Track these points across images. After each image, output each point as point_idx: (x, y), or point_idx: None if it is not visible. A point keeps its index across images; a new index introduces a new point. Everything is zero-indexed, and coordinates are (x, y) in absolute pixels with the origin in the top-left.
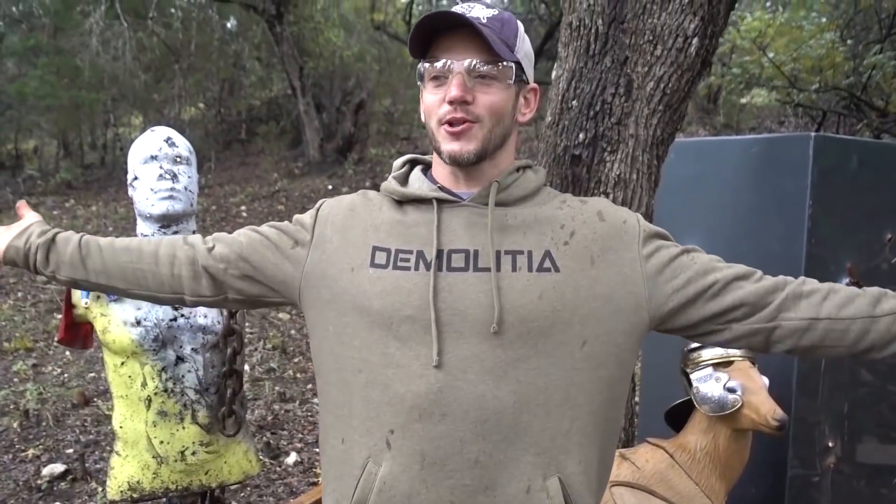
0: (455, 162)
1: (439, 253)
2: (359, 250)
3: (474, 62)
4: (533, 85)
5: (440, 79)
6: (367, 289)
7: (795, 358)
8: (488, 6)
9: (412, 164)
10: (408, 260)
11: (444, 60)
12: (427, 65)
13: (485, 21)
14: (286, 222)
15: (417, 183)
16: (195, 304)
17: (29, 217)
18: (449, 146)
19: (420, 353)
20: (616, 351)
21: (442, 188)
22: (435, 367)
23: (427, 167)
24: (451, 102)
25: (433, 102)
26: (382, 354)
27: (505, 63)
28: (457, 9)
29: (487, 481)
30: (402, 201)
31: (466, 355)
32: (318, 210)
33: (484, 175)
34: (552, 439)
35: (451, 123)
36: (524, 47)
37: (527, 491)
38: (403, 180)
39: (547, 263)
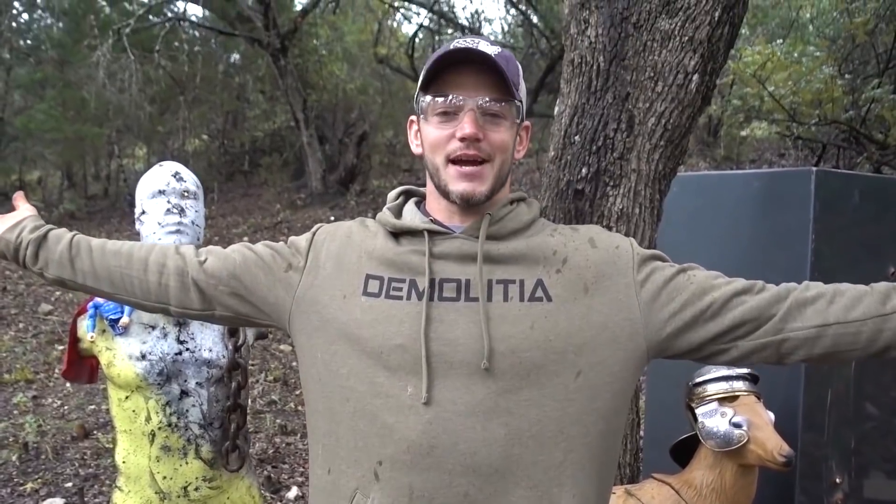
0: (466, 202)
1: (431, 282)
2: (352, 277)
3: (486, 100)
4: (526, 122)
5: (448, 114)
6: (358, 317)
7: (801, 393)
8: (492, 43)
9: (406, 195)
10: (400, 289)
11: (455, 96)
12: (437, 99)
13: (493, 57)
14: (281, 243)
15: (410, 216)
16: (180, 316)
17: (23, 210)
18: (460, 186)
19: (409, 383)
20: (611, 381)
21: (434, 221)
22: (424, 403)
23: (421, 200)
24: (463, 139)
25: (440, 138)
26: (371, 384)
27: (513, 101)
28: (460, 44)
29: None
30: (397, 233)
31: (457, 387)
32: (313, 235)
33: (480, 211)
34: (545, 472)
35: (462, 162)
36: (523, 87)
37: None
38: (398, 212)
39: (539, 293)
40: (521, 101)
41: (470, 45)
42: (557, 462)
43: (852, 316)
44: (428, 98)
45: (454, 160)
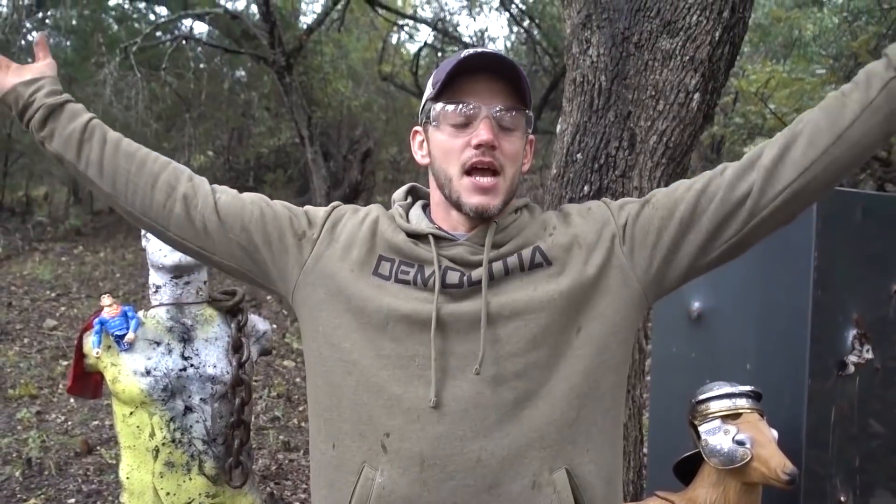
0: (480, 215)
1: (439, 266)
2: (364, 255)
3: (500, 108)
4: (531, 136)
5: (462, 123)
6: (365, 292)
7: (804, 410)
8: (503, 54)
9: (413, 195)
10: (408, 273)
11: (469, 104)
12: (450, 107)
13: (510, 61)
14: (300, 209)
15: (416, 220)
16: (171, 243)
17: (43, 65)
18: (475, 199)
19: (417, 352)
20: (615, 331)
21: (440, 228)
22: (434, 371)
23: (426, 203)
24: (479, 146)
25: (454, 147)
26: (377, 356)
27: (526, 111)
28: (472, 53)
29: (491, 480)
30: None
31: (463, 353)
32: (333, 209)
33: (489, 218)
34: (558, 431)
35: (478, 171)
36: (530, 99)
37: (532, 486)
38: (405, 213)
39: (538, 258)
40: (531, 113)
41: (484, 51)
42: (570, 420)
43: (840, 125)
44: (440, 106)
45: (469, 170)
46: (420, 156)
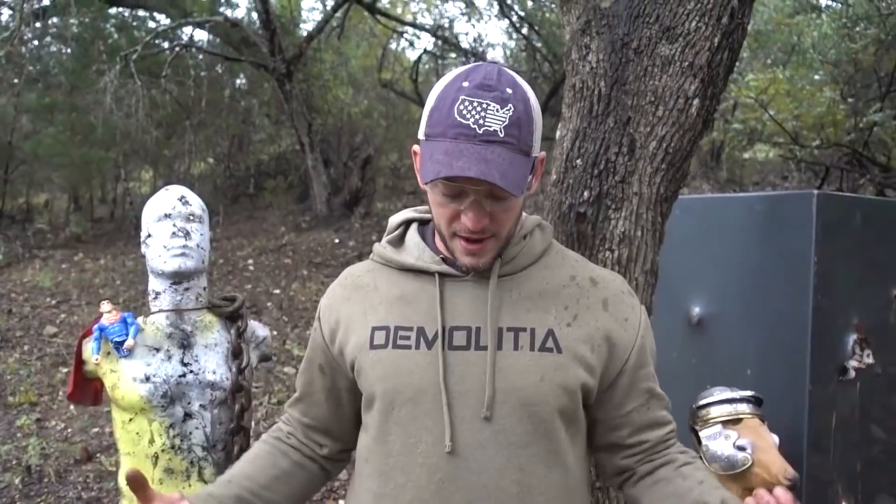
0: (473, 270)
1: (443, 330)
2: (359, 335)
3: (491, 189)
4: (541, 154)
5: (452, 195)
6: (369, 374)
7: (806, 416)
8: (502, 101)
9: (407, 224)
10: (407, 338)
11: (459, 186)
12: (440, 182)
13: (502, 136)
14: (314, 336)
15: (417, 251)
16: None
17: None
18: (466, 259)
19: (421, 438)
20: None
21: (445, 259)
22: (448, 452)
23: (422, 224)
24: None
25: (446, 214)
26: (384, 443)
27: (519, 195)
28: (468, 113)
29: None
30: (399, 268)
31: (469, 442)
32: (319, 312)
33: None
34: None
35: (468, 240)
36: (538, 131)
37: None
38: (398, 242)
39: (549, 343)
40: (534, 160)
41: (475, 122)
42: None
43: None
44: (430, 167)
45: (461, 237)
46: (421, 176)
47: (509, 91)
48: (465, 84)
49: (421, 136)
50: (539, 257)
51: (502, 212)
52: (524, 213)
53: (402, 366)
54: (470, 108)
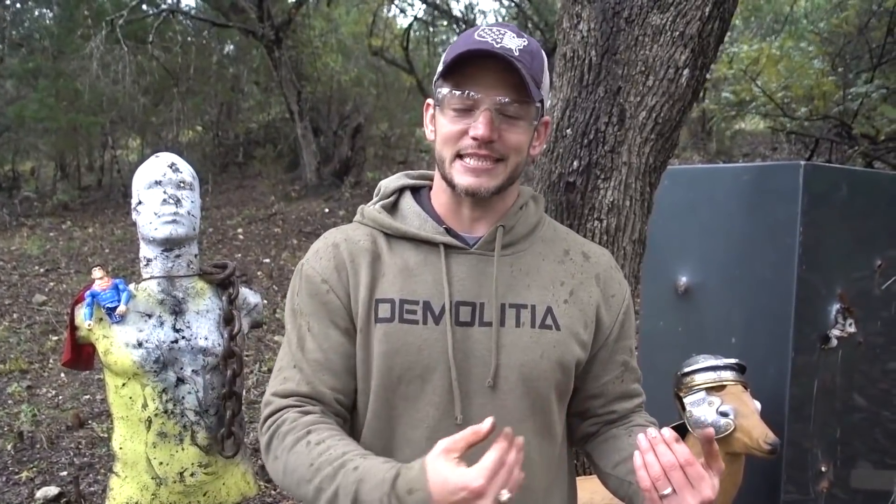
0: (472, 195)
1: (451, 304)
2: (364, 306)
3: (504, 100)
4: (546, 118)
5: (464, 110)
6: (375, 348)
7: (788, 383)
8: (518, 34)
9: (401, 191)
10: (414, 312)
11: (472, 92)
12: (454, 92)
13: (517, 54)
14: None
15: (418, 220)
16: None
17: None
18: (465, 180)
19: (428, 413)
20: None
21: (448, 230)
22: (458, 424)
23: (415, 192)
24: (475, 139)
25: (453, 133)
26: (388, 418)
27: (533, 105)
28: (486, 34)
29: None
30: (398, 236)
31: (474, 416)
32: (322, 276)
33: (492, 208)
34: (533, 494)
35: (470, 158)
36: (546, 82)
37: None
38: (391, 208)
39: (549, 320)
40: (541, 102)
41: (493, 39)
42: (545, 486)
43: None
44: (445, 90)
45: (465, 156)
46: (429, 131)
47: (524, 36)
48: (482, 25)
49: (436, 76)
50: (534, 228)
51: (512, 133)
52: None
53: (411, 342)
54: (487, 32)
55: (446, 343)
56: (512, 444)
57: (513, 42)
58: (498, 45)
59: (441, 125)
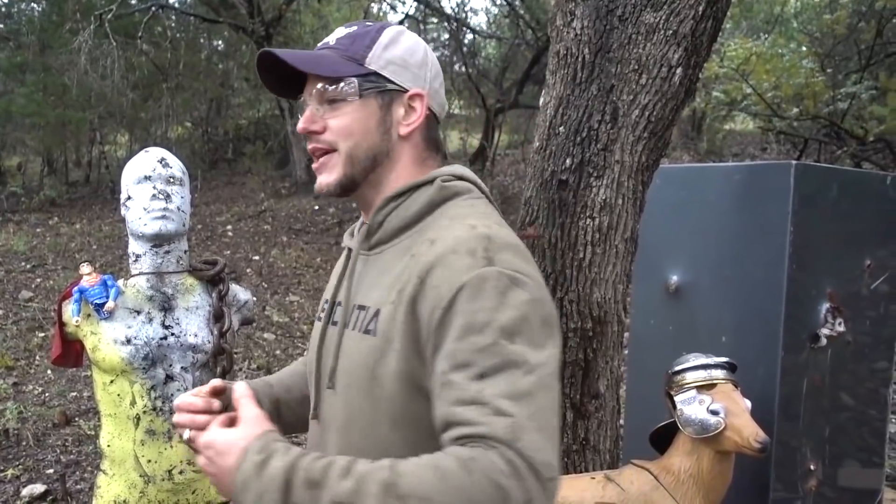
0: (325, 196)
1: (330, 304)
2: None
3: (316, 87)
4: (414, 90)
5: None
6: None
7: (777, 382)
8: (350, 25)
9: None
10: (323, 310)
11: (301, 96)
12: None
13: (333, 43)
14: None
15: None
16: None
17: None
18: (315, 184)
19: (310, 408)
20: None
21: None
22: (313, 419)
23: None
24: (301, 136)
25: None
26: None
27: (346, 81)
28: (327, 39)
29: None
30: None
31: (328, 413)
32: None
33: (371, 203)
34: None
35: (313, 160)
36: (388, 54)
37: None
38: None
39: (372, 325)
40: (374, 76)
41: (318, 47)
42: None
43: None
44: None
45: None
46: None
47: (362, 24)
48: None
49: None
50: (415, 221)
51: (335, 117)
52: (438, 168)
53: (315, 337)
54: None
55: (317, 341)
56: (206, 396)
57: (337, 34)
58: (320, 44)
59: None
